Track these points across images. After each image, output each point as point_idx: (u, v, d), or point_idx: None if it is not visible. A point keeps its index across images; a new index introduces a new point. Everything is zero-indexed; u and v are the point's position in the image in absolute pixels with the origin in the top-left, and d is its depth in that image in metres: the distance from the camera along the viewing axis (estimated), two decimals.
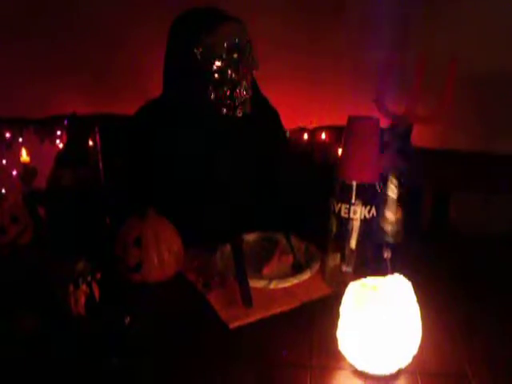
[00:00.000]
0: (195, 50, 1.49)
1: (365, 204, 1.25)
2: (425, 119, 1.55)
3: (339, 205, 1.27)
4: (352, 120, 1.26)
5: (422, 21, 2.11)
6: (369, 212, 1.26)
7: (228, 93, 1.53)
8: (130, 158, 1.66)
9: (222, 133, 1.61)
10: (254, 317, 1.20)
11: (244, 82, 1.53)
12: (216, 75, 1.51)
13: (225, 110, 1.55)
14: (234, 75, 1.51)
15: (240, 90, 1.53)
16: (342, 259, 1.31)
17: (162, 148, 1.58)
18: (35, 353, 1.09)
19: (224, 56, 1.49)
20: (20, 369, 1.05)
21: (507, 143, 2.17)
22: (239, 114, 1.56)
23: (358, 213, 1.25)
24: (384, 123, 1.42)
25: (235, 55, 1.50)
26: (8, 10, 2.37)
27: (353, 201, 1.25)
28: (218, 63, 1.49)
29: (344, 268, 1.31)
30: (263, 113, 1.70)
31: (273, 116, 1.76)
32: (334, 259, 1.33)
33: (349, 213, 1.26)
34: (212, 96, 1.53)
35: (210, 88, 1.52)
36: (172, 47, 1.57)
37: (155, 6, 2.28)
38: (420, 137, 1.62)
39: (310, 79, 2.07)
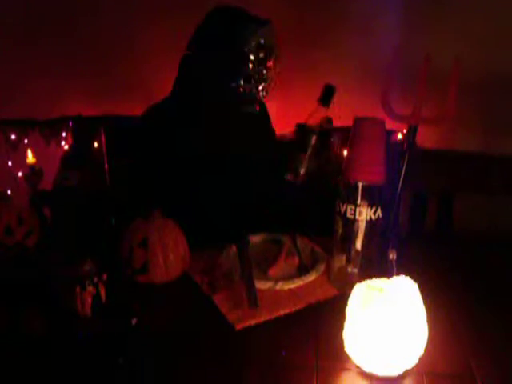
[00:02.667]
0: (241, 45, 1.50)
1: (370, 205, 1.25)
2: (430, 120, 1.55)
3: (345, 206, 1.27)
4: (358, 121, 1.27)
5: (427, 22, 2.10)
6: (374, 213, 1.26)
7: (254, 89, 1.54)
8: (142, 158, 1.66)
9: (237, 130, 1.63)
10: (260, 318, 1.20)
11: (269, 82, 1.56)
12: (250, 70, 1.52)
13: (243, 106, 1.59)
14: (267, 73, 1.54)
15: (263, 89, 1.56)
16: (348, 260, 1.31)
17: (180, 147, 1.59)
18: (42, 354, 1.09)
19: (262, 55, 1.51)
20: (27, 369, 1.06)
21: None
22: (250, 109, 1.60)
23: (364, 214, 1.25)
24: (390, 124, 1.42)
25: (271, 55, 1.53)
26: (14, 13, 2.38)
27: (358, 202, 1.25)
28: (261, 63, 1.52)
29: (350, 269, 1.31)
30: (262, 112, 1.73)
31: (265, 111, 1.78)
32: (339, 260, 1.33)
33: (354, 214, 1.26)
34: (241, 89, 1.54)
35: (242, 81, 1.53)
36: (212, 40, 1.57)
37: (160, 10, 2.29)
38: (424, 138, 1.62)
39: (314, 80, 2.07)
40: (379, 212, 1.27)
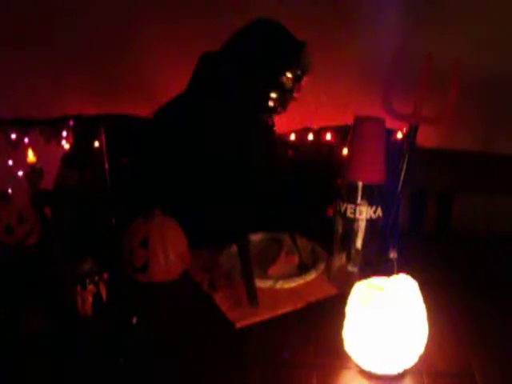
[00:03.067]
0: (292, 68, 1.57)
1: (370, 204, 1.25)
2: (430, 120, 1.55)
3: (345, 205, 1.27)
4: (359, 120, 1.27)
5: (428, 22, 2.10)
6: (374, 212, 1.26)
7: (280, 102, 1.60)
8: (150, 155, 1.66)
9: (249, 135, 1.67)
10: (260, 316, 1.21)
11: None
12: (284, 85, 1.58)
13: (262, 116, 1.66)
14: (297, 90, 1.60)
15: (286, 103, 1.61)
16: (348, 259, 1.31)
17: (191, 144, 1.60)
18: (42, 353, 1.09)
19: (298, 72, 1.58)
20: (27, 368, 1.06)
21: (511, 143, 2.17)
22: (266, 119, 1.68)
23: (364, 213, 1.26)
24: (390, 124, 1.43)
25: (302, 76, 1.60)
26: (13, 12, 2.38)
27: (358, 201, 1.25)
28: (289, 75, 1.57)
29: (350, 268, 1.31)
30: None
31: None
32: (339, 259, 1.33)
33: (354, 213, 1.26)
34: (271, 103, 1.60)
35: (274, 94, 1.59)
36: (252, 57, 1.59)
37: (160, 8, 2.29)
38: (424, 137, 1.62)
39: (315, 79, 2.07)
40: (379, 211, 1.27)
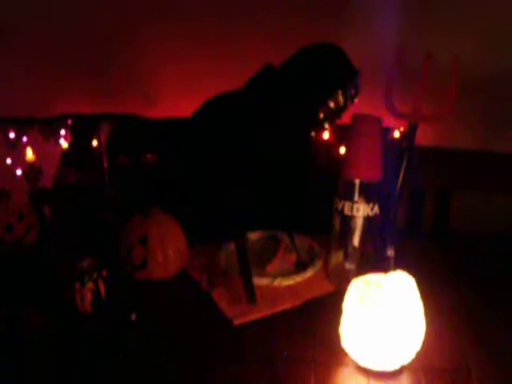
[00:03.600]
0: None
1: (368, 202, 1.26)
2: (430, 118, 1.55)
3: (342, 202, 1.28)
4: (356, 119, 1.27)
5: (428, 21, 2.11)
6: (372, 210, 1.27)
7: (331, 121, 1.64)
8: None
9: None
10: (258, 314, 1.21)
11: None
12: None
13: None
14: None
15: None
16: (345, 257, 1.32)
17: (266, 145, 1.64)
18: (42, 350, 1.10)
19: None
20: (26, 366, 1.06)
21: (510, 142, 2.17)
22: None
23: (361, 210, 1.26)
24: (388, 122, 1.43)
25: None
26: (12, 11, 2.39)
27: (356, 199, 1.26)
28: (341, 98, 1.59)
29: (347, 265, 1.32)
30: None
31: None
32: (337, 257, 1.34)
33: (352, 210, 1.27)
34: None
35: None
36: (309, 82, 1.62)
37: (158, 8, 2.29)
38: (422, 135, 1.62)
39: None
40: (376, 209, 1.27)
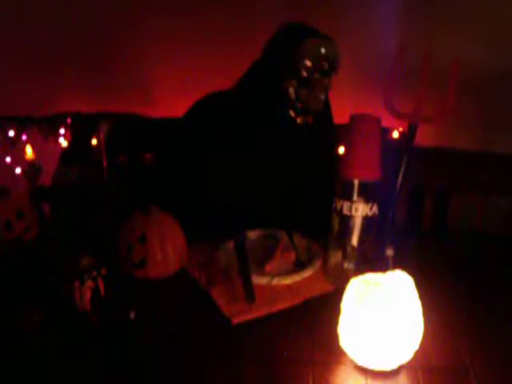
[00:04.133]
0: (301, 55, 1.55)
1: (366, 201, 1.26)
2: (429, 119, 1.55)
3: (341, 202, 1.28)
4: (354, 118, 1.28)
5: (428, 21, 2.11)
6: (370, 209, 1.27)
7: (305, 97, 1.59)
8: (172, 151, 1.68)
9: (275, 133, 1.66)
10: (257, 313, 1.21)
11: (322, 95, 1.60)
12: (306, 79, 1.57)
13: (292, 113, 1.63)
14: (321, 85, 1.58)
15: (315, 99, 1.59)
16: (344, 256, 1.32)
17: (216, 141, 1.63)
18: (40, 347, 1.10)
19: (320, 66, 1.56)
20: (25, 363, 1.06)
21: (509, 142, 2.17)
22: (299, 121, 1.64)
23: (360, 210, 1.27)
24: (387, 122, 1.43)
25: (329, 69, 1.58)
26: (11, 10, 2.39)
27: (354, 198, 1.26)
28: (314, 71, 1.56)
29: (346, 265, 1.32)
30: (323, 127, 1.74)
31: (329, 132, 1.79)
32: (335, 256, 1.34)
33: (350, 210, 1.27)
34: (293, 96, 1.59)
35: (296, 89, 1.58)
36: (273, 48, 1.61)
37: (158, 5, 2.29)
38: (422, 136, 1.63)
39: None
40: (375, 208, 1.28)
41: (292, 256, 1.45)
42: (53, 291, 1.21)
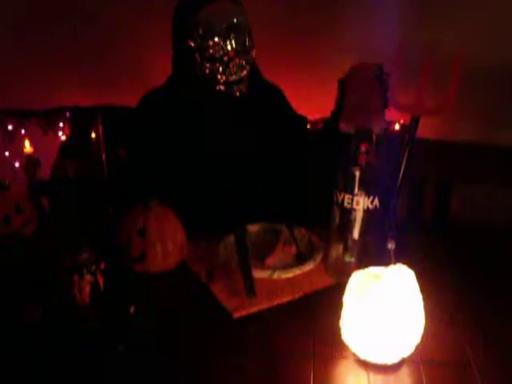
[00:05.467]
0: (194, 26, 1.54)
1: (368, 194, 1.25)
2: (431, 111, 1.54)
3: (342, 195, 1.27)
4: (351, 68, 1.27)
5: (429, 13, 2.11)
6: (372, 202, 1.26)
7: (220, 69, 1.56)
8: (135, 147, 1.67)
9: (219, 111, 1.64)
10: (258, 307, 1.21)
11: (238, 60, 1.57)
12: (210, 51, 1.55)
13: (221, 88, 1.59)
14: (227, 53, 1.55)
15: (231, 68, 1.56)
16: (345, 250, 1.31)
17: (166, 135, 1.61)
18: (39, 341, 1.10)
19: (218, 33, 1.53)
20: (25, 357, 1.06)
21: (511, 135, 2.17)
22: (236, 93, 1.60)
23: (361, 203, 1.26)
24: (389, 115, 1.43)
25: (229, 33, 1.54)
26: (11, 6, 2.38)
27: (356, 191, 1.25)
28: (212, 40, 1.54)
29: (347, 258, 1.31)
30: (264, 94, 1.73)
31: (275, 96, 1.78)
32: (336, 249, 1.33)
33: (352, 203, 1.26)
34: (207, 71, 1.57)
35: (204, 63, 1.57)
36: (174, 25, 1.61)
37: (158, 2, 2.28)
38: (423, 128, 1.62)
39: (313, 73, 2.07)
40: (376, 201, 1.27)
41: (293, 249, 1.45)
42: (52, 285, 1.21)
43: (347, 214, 1.28)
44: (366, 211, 1.26)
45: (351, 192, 1.26)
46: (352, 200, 1.26)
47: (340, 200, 1.28)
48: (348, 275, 1.07)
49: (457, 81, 1.50)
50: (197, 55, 1.56)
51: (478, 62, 1.99)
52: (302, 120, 1.83)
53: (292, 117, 1.80)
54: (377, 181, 1.27)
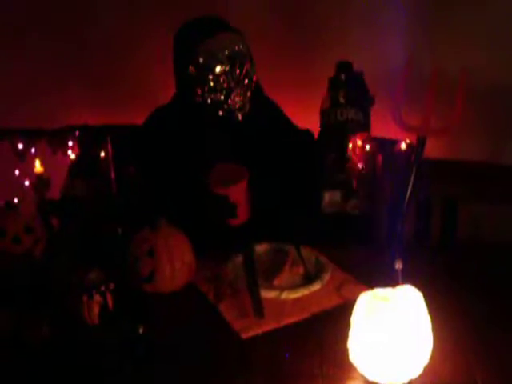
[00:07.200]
0: (194, 57, 1.56)
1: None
2: (437, 132, 1.55)
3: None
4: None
5: (436, 33, 2.12)
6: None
7: (222, 98, 1.58)
8: (143, 166, 1.69)
9: (220, 137, 1.66)
10: (266, 327, 1.21)
11: (239, 90, 1.59)
12: (211, 84, 1.57)
13: (221, 113, 1.61)
14: (228, 83, 1.57)
15: (234, 97, 1.59)
16: (345, 197, 1.31)
17: (171, 153, 1.63)
18: (48, 361, 1.10)
19: (220, 64, 1.55)
20: (30, 377, 1.07)
21: None
22: (239, 117, 1.62)
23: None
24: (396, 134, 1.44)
25: (231, 63, 1.56)
26: (20, 23, 2.41)
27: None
28: (213, 71, 1.56)
29: (349, 209, 1.31)
30: (266, 112, 1.75)
31: (277, 113, 1.79)
32: (333, 195, 1.33)
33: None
34: (208, 101, 1.59)
35: (205, 95, 1.59)
36: (175, 54, 1.65)
37: (164, 17, 2.31)
38: (429, 147, 1.62)
39: (318, 88, 2.08)
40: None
41: (300, 270, 1.45)
42: (61, 305, 1.21)
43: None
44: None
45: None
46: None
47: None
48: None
49: (463, 100, 1.51)
50: (198, 89, 1.59)
51: (485, 81, 2.00)
52: (308, 133, 1.83)
53: (297, 131, 1.80)
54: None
